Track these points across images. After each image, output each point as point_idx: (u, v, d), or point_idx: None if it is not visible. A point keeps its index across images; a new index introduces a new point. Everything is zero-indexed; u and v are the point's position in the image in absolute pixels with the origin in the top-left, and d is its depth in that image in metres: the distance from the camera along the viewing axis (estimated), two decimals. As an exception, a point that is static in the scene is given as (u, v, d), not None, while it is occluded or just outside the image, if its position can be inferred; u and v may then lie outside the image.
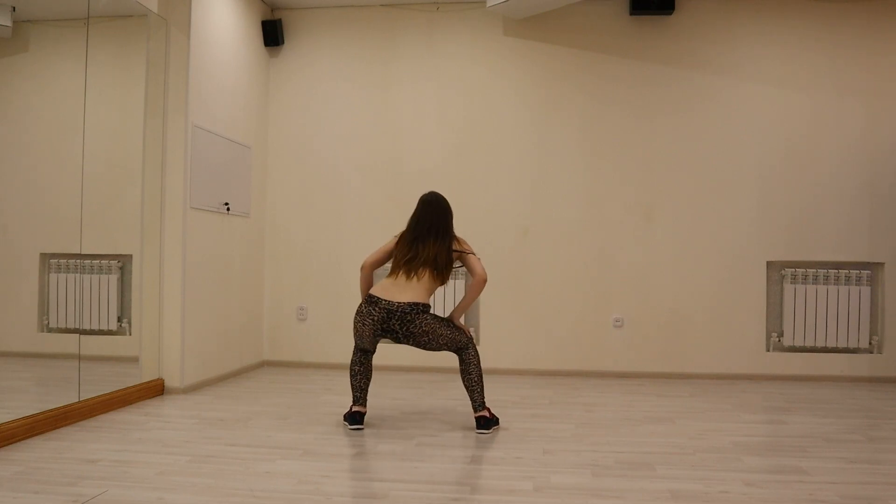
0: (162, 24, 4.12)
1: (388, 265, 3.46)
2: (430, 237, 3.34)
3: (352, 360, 3.42)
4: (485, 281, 3.33)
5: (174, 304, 4.10)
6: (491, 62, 5.10)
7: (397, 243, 3.41)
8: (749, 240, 4.90)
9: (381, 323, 3.24)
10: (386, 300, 3.24)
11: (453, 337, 3.32)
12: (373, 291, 3.30)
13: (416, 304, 3.24)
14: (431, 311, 3.33)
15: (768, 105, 4.91)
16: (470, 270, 3.37)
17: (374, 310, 3.25)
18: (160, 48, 4.12)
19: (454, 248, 3.36)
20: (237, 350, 4.82)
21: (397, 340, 3.32)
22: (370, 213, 5.09)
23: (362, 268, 3.45)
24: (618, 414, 3.74)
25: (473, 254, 3.39)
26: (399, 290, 3.26)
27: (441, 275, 3.33)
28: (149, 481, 2.54)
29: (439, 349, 3.34)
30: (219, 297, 4.55)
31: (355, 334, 3.34)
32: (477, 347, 4.95)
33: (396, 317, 3.23)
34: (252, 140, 5.00)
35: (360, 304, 3.32)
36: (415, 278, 3.28)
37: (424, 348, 3.33)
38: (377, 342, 3.38)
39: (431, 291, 3.33)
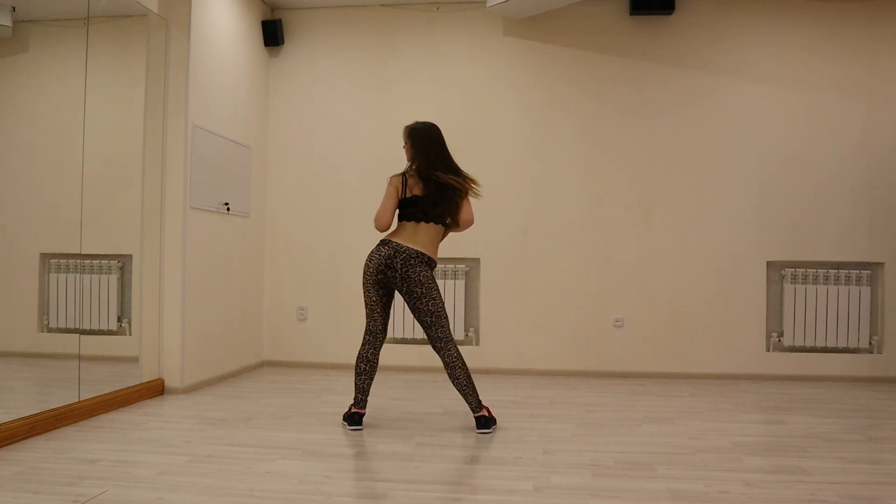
0: (162, 24, 4.12)
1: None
2: (442, 176, 3.30)
3: (360, 352, 3.38)
4: (470, 224, 3.43)
5: (174, 304, 4.10)
6: (491, 62, 5.10)
7: (402, 186, 3.34)
8: (749, 240, 4.90)
9: (386, 259, 3.26)
10: (396, 242, 3.29)
11: (442, 313, 3.31)
12: (387, 236, 3.35)
13: (424, 253, 3.30)
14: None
15: (768, 105, 4.91)
16: (463, 215, 3.40)
17: (383, 248, 3.29)
18: (160, 48, 4.12)
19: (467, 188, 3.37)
20: (237, 350, 4.82)
21: (395, 284, 3.29)
22: (370, 214, 5.05)
23: (378, 229, 3.39)
24: (618, 414, 3.74)
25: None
26: (412, 238, 3.30)
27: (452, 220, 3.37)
28: (149, 481, 2.54)
29: (426, 315, 3.28)
30: (219, 297, 4.55)
31: (364, 285, 3.33)
32: (468, 348, 4.94)
33: (402, 257, 3.26)
34: (252, 140, 5.00)
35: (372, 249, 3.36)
36: (426, 225, 3.32)
37: (415, 302, 3.29)
38: (383, 297, 3.34)
39: (438, 241, 3.38)
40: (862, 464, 2.84)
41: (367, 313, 3.38)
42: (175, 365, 4.12)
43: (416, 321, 3.43)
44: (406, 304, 3.41)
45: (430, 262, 3.33)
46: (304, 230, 5.25)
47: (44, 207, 3.62)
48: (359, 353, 3.39)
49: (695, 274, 4.93)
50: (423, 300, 3.28)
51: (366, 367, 3.36)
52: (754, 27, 4.92)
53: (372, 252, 3.33)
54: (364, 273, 3.33)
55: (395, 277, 3.28)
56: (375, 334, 3.37)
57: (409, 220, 3.33)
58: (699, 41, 4.96)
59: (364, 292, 3.36)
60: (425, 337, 4.96)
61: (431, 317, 3.30)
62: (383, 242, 3.33)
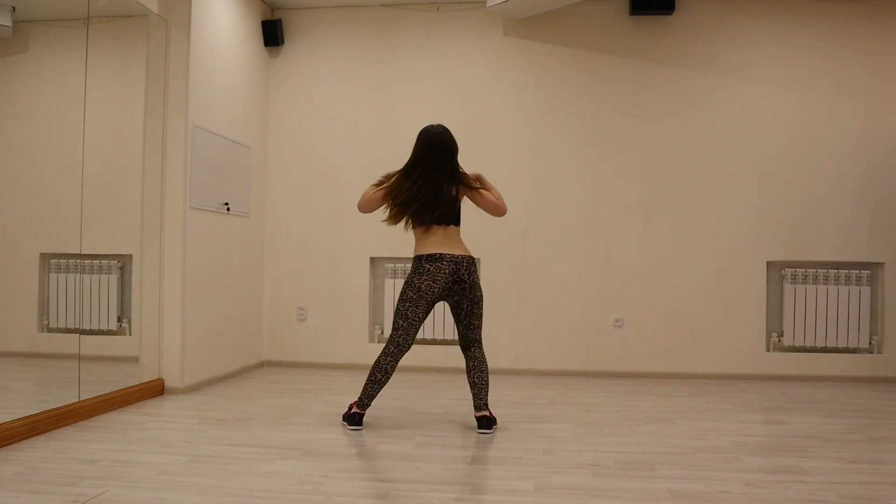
0: (162, 24, 4.12)
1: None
2: (435, 180, 3.26)
3: (379, 360, 3.28)
4: (499, 209, 3.38)
5: (174, 304, 4.10)
6: (491, 62, 5.10)
7: (395, 188, 3.31)
8: (749, 240, 4.90)
9: (452, 275, 3.24)
10: (449, 253, 3.26)
11: (482, 316, 3.38)
12: (427, 250, 3.26)
13: (472, 257, 3.34)
14: None
15: (768, 105, 4.91)
16: (487, 207, 3.37)
17: (442, 265, 3.24)
18: (160, 48, 4.12)
19: (462, 190, 3.33)
20: (237, 350, 4.82)
21: (462, 293, 3.27)
22: (370, 214, 5.07)
23: (362, 204, 3.41)
24: (618, 414, 3.74)
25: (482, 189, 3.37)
26: (451, 245, 3.28)
27: (457, 216, 3.35)
28: (149, 481, 2.54)
29: (476, 317, 3.33)
30: (219, 298, 4.55)
31: (414, 301, 3.25)
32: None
33: (465, 266, 3.27)
34: (252, 140, 5.00)
35: (420, 266, 3.25)
36: (447, 227, 3.30)
37: (472, 307, 3.30)
38: (427, 312, 3.32)
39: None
40: (862, 464, 2.84)
41: (402, 326, 3.28)
42: (175, 365, 4.12)
43: (456, 322, 3.39)
44: (451, 308, 3.37)
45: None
46: (304, 230, 5.25)
47: (44, 207, 3.62)
48: (377, 361, 3.29)
49: (695, 274, 4.93)
50: (478, 304, 3.34)
51: (381, 378, 3.30)
52: (754, 27, 4.92)
53: (426, 269, 3.23)
54: (419, 290, 3.23)
55: (465, 288, 3.27)
56: (402, 348, 3.30)
57: (426, 224, 3.28)
58: (699, 41, 4.96)
59: (408, 307, 3.26)
60: (425, 337, 5.04)
61: (479, 319, 3.37)
62: (435, 257, 3.23)
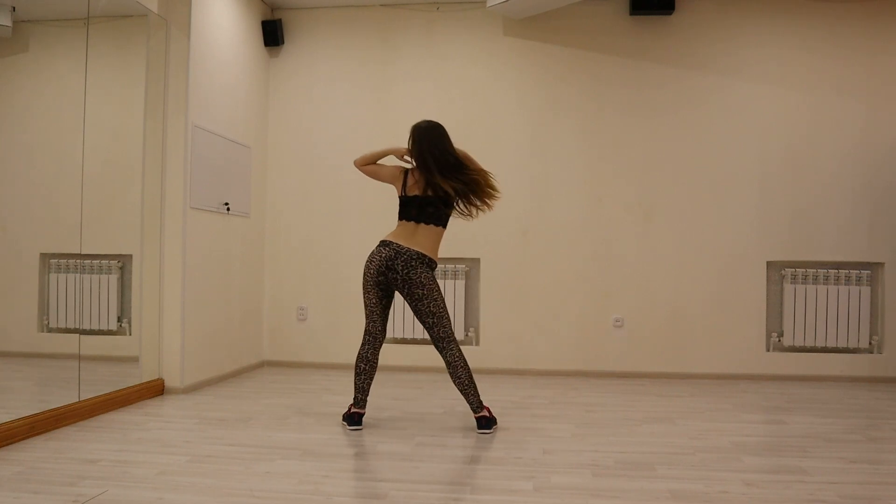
0: (162, 24, 4.12)
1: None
2: (443, 175, 3.29)
3: (359, 352, 3.39)
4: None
5: (174, 304, 4.10)
6: (491, 62, 5.10)
7: (401, 178, 3.39)
8: (749, 240, 4.90)
9: (387, 261, 3.27)
10: (397, 243, 3.30)
11: (443, 314, 3.31)
12: (386, 237, 3.36)
13: (425, 255, 3.31)
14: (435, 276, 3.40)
15: (768, 105, 4.91)
16: None
17: (384, 250, 3.30)
18: (160, 48, 4.12)
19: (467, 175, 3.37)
20: (237, 350, 4.82)
21: (396, 285, 3.30)
22: (370, 214, 5.08)
23: (357, 164, 3.53)
24: (618, 414, 3.74)
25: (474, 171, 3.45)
26: (411, 239, 3.31)
27: (447, 216, 3.39)
28: (149, 481, 2.54)
29: (428, 316, 3.29)
30: (219, 298, 4.55)
31: (364, 286, 3.35)
32: (468, 348, 4.94)
33: (403, 258, 3.27)
34: (252, 140, 5.00)
35: (372, 251, 3.37)
36: (426, 226, 3.32)
37: (416, 304, 3.29)
38: (383, 298, 3.35)
39: (439, 241, 3.38)
40: (862, 464, 2.84)
41: (366, 314, 3.39)
42: (175, 365, 4.12)
43: (416, 321, 3.43)
44: (408, 305, 3.41)
45: (431, 263, 3.34)
46: (304, 230, 5.25)
47: (44, 207, 3.62)
48: (358, 353, 3.40)
49: (695, 274, 4.93)
50: (425, 301, 3.29)
51: (365, 367, 3.37)
52: (754, 27, 4.92)
53: (372, 253, 3.34)
54: (364, 274, 3.34)
55: (397, 279, 3.29)
56: (375, 335, 3.38)
57: (407, 220, 3.34)
58: (699, 41, 4.95)
59: (364, 293, 3.37)
60: (425, 337, 5.04)
61: (433, 318, 3.31)
62: (384, 244, 3.33)
